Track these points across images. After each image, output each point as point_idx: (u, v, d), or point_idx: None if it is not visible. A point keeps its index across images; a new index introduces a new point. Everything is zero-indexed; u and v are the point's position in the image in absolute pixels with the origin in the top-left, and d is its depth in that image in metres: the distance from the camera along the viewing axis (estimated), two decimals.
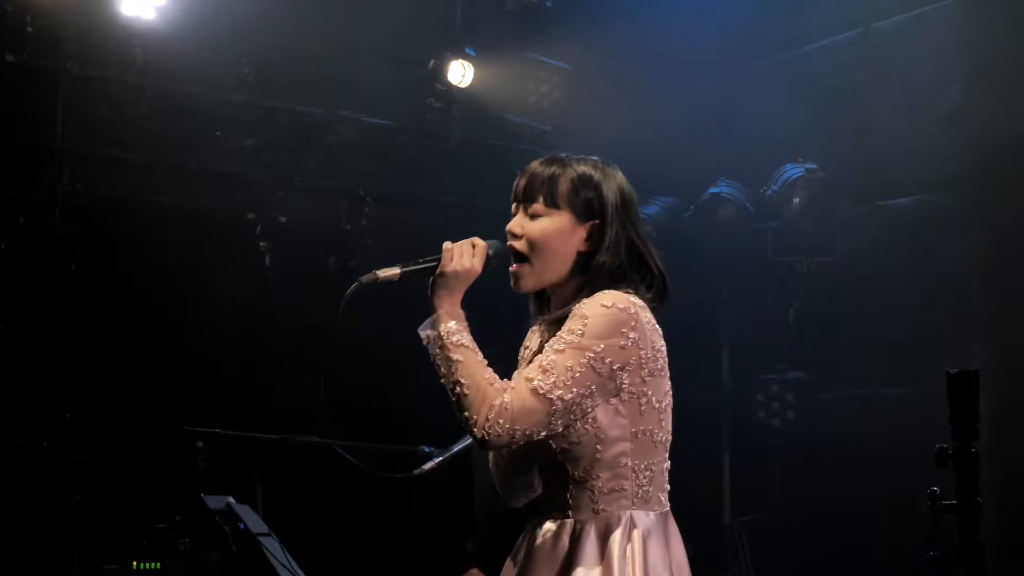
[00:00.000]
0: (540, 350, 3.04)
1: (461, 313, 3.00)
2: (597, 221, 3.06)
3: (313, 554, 5.34)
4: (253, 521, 5.15)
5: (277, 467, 5.73)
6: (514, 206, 3.12)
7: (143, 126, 6.78)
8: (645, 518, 2.97)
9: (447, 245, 3.01)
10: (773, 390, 7.64)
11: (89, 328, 6.44)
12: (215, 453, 5.35)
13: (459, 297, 3.01)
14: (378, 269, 3.01)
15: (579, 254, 3.07)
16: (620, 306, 2.91)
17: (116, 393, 6.44)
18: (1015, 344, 6.37)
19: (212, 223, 7.09)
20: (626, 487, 2.96)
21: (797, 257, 7.58)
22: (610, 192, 3.09)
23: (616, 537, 2.92)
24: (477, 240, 3.04)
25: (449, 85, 7.50)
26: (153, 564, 6.04)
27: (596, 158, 3.15)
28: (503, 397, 2.85)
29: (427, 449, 5.06)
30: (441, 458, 5.01)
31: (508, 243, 3.09)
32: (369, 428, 5.83)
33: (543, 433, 2.88)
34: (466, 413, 2.88)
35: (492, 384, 2.88)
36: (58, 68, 6.54)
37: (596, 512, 2.96)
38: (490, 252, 3.04)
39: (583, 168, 3.10)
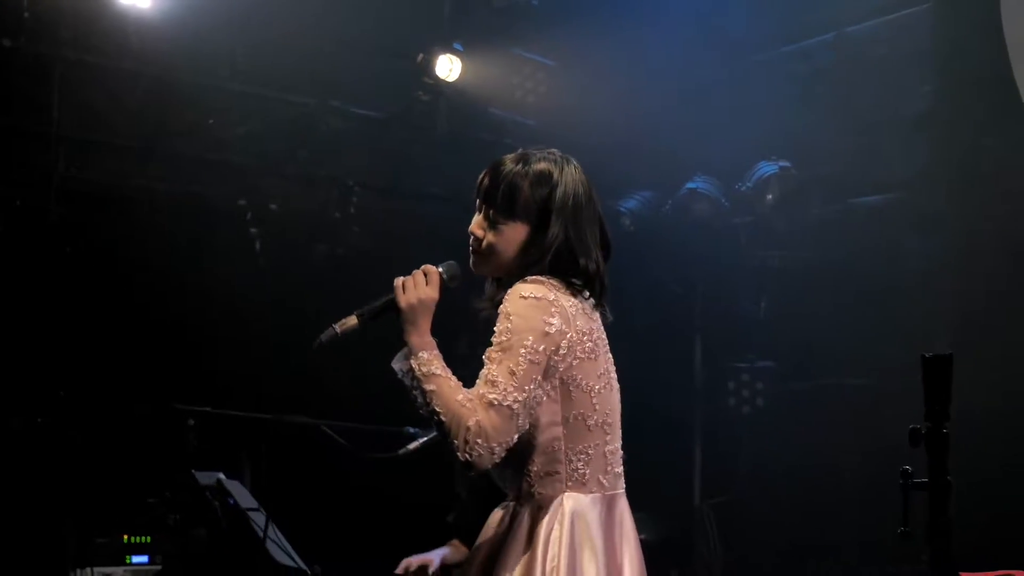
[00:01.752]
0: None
1: (431, 341, 2.99)
2: (547, 228, 3.06)
3: (301, 529, 5.37)
4: (243, 496, 5.18)
5: (267, 446, 5.76)
6: (477, 201, 3.14)
7: (137, 113, 6.78)
8: (577, 500, 2.99)
9: (397, 281, 3.03)
10: (743, 379, 7.70)
11: (83, 309, 6.45)
12: (206, 431, 5.38)
13: (425, 326, 3.00)
14: (335, 323, 3.01)
15: (528, 255, 3.08)
16: (537, 295, 2.94)
17: (110, 372, 6.45)
18: (979, 338, 6.45)
19: (204, 209, 7.09)
20: (560, 471, 2.98)
21: (769, 251, 7.63)
22: (561, 193, 3.08)
23: (545, 519, 2.95)
24: (428, 268, 3.06)
25: (437, 79, 7.51)
26: (144, 538, 6.07)
27: (556, 154, 3.15)
28: (473, 417, 2.84)
29: (412, 430, 5.09)
30: (426, 439, 5.05)
31: (472, 244, 3.11)
32: (356, 409, 5.87)
33: (515, 438, 2.89)
34: (448, 439, 2.87)
35: (464, 406, 2.86)
36: (54, 54, 6.52)
37: (533, 496, 2.99)
38: (445, 277, 3.06)
39: (543, 166, 3.10)
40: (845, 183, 7.36)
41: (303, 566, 4.98)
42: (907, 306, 6.69)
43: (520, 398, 2.86)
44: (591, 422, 3.01)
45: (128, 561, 6.08)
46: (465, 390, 2.91)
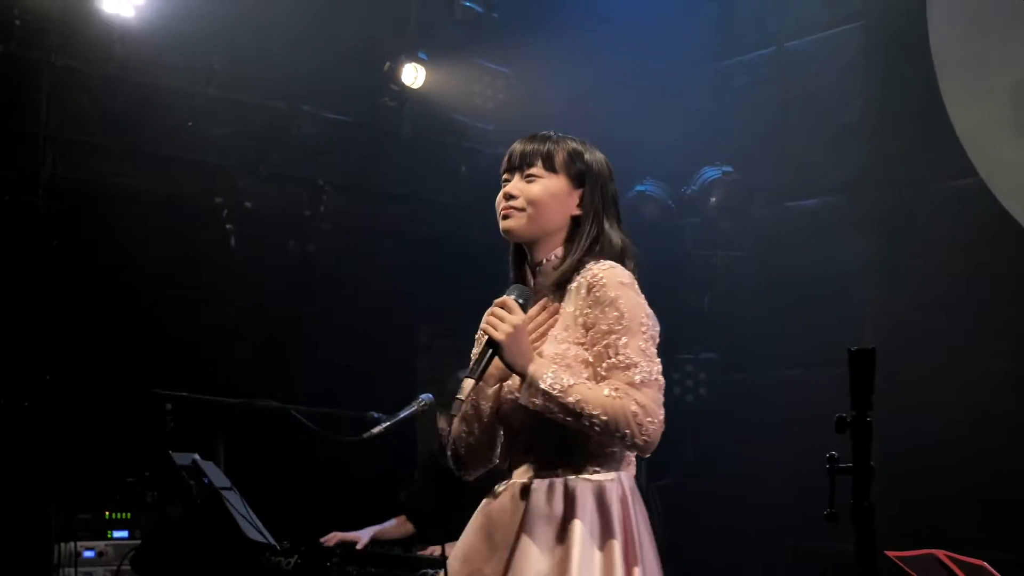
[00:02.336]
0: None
1: (543, 361, 2.84)
2: (587, 187, 3.02)
3: (271, 506, 5.36)
4: (217, 476, 5.17)
5: (239, 429, 5.74)
6: (506, 176, 3.04)
7: (120, 116, 6.72)
8: (628, 480, 2.93)
9: (483, 326, 2.87)
10: (688, 369, 7.70)
11: (69, 299, 6.41)
12: (182, 415, 5.35)
13: (529, 350, 2.84)
14: (457, 394, 2.81)
15: (572, 218, 3.02)
16: (630, 281, 2.91)
17: (92, 358, 6.42)
18: (901, 332, 6.53)
19: (183, 206, 7.05)
20: (616, 450, 2.89)
21: (713, 251, 7.66)
22: (597, 167, 3.06)
23: (612, 497, 2.85)
24: (501, 300, 2.89)
25: (403, 86, 7.50)
26: (124, 514, 6.06)
27: (579, 138, 3.11)
28: (631, 401, 2.76)
29: (376, 415, 5.08)
30: (389, 423, 5.04)
31: (505, 205, 3.00)
32: (323, 394, 5.86)
33: None
34: (618, 435, 2.77)
35: (616, 397, 2.77)
36: (42, 60, 6.44)
37: (588, 472, 2.87)
38: (520, 301, 2.90)
39: (573, 144, 3.06)
40: (783, 187, 7.41)
41: (272, 541, 4.98)
42: (839, 302, 6.74)
43: (659, 370, 2.83)
44: None
45: (109, 536, 6.08)
46: (605, 386, 2.79)
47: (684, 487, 7.65)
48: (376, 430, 4.98)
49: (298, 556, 5.00)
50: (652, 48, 7.52)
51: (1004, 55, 6.30)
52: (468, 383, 2.83)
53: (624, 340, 2.81)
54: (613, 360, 2.81)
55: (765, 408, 7.02)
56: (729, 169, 7.47)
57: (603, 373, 2.83)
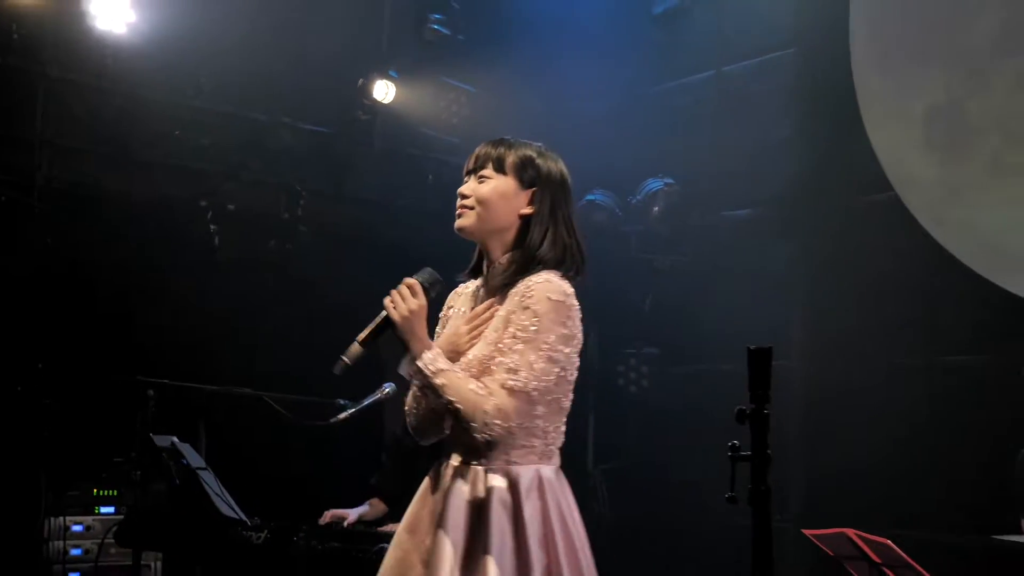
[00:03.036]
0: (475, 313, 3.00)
1: (431, 343, 2.87)
2: (536, 189, 2.98)
3: (244, 485, 5.36)
4: (193, 457, 5.17)
5: (218, 414, 5.74)
6: (465, 179, 3.04)
7: (112, 124, 6.71)
8: (547, 472, 2.91)
9: (386, 300, 2.88)
10: (631, 363, 7.74)
11: (61, 292, 6.39)
12: (164, 401, 5.35)
13: (422, 332, 2.86)
14: (343, 354, 2.84)
15: (521, 217, 2.98)
16: (562, 299, 2.86)
17: (82, 347, 6.40)
18: (825, 331, 6.61)
19: (170, 209, 7.03)
20: (536, 444, 2.89)
21: (655, 255, 7.70)
22: (547, 171, 3.01)
23: (524, 489, 2.85)
24: (408, 280, 2.91)
25: (374, 101, 7.53)
26: (110, 491, 6.05)
27: (539, 144, 3.08)
28: (491, 401, 2.76)
29: (342, 402, 5.10)
30: (354, 409, 5.07)
31: (458, 204, 3.00)
32: (297, 383, 5.86)
33: (533, 420, 2.84)
34: (464, 423, 2.78)
35: (478, 393, 2.78)
36: (39, 71, 6.45)
37: (508, 463, 2.87)
38: (425, 284, 2.91)
39: (527, 150, 3.02)
40: (719, 198, 7.46)
41: (243, 517, 4.98)
42: (769, 303, 6.79)
43: (540, 386, 2.80)
44: (565, 404, 2.95)
45: (97, 511, 6.08)
46: (475, 381, 2.81)
47: (626, 470, 7.69)
48: (342, 416, 5.00)
49: (267, 531, 5.01)
50: (604, 70, 7.57)
51: (917, 83, 6.39)
52: (355, 347, 2.87)
53: (520, 347, 2.80)
54: (502, 359, 2.82)
55: (701, 398, 7.05)
56: (671, 181, 7.51)
57: (493, 367, 2.84)
